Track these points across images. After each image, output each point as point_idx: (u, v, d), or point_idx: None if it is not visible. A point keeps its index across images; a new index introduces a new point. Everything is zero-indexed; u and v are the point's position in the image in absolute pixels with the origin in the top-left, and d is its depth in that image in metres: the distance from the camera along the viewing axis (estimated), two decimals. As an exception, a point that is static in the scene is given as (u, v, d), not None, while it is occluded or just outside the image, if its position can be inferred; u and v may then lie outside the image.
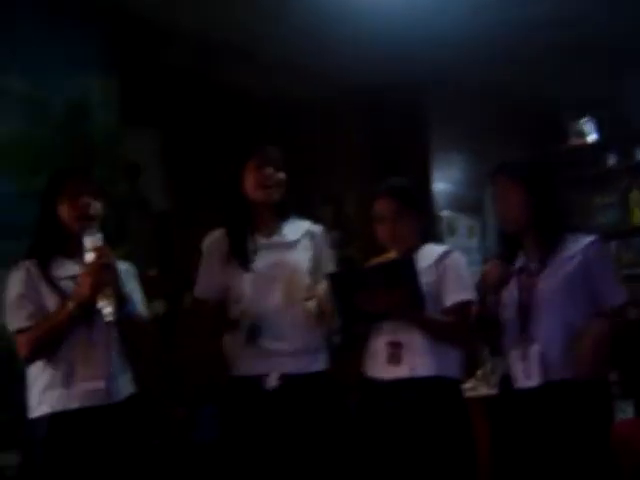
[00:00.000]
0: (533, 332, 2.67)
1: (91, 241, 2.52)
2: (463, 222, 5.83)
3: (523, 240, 2.79)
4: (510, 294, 2.76)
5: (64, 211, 2.61)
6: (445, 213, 5.69)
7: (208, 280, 2.96)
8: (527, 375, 2.65)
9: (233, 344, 2.93)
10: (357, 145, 5.93)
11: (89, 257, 2.50)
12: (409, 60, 5.15)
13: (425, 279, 2.72)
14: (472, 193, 5.90)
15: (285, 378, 2.83)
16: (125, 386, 2.66)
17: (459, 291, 2.76)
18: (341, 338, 2.99)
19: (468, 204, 5.87)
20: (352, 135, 5.94)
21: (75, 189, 2.62)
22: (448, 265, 2.80)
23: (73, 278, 2.57)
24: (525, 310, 2.71)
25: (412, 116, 5.76)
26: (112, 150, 4.68)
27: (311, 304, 2.82)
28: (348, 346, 3.00)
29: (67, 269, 2.61)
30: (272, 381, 2.82)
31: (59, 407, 2.53)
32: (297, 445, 2.79)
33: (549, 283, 2.68)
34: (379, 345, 2.79)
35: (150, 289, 4.88)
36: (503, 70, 5.46)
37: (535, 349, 2.63)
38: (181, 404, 5.06)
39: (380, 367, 2.77)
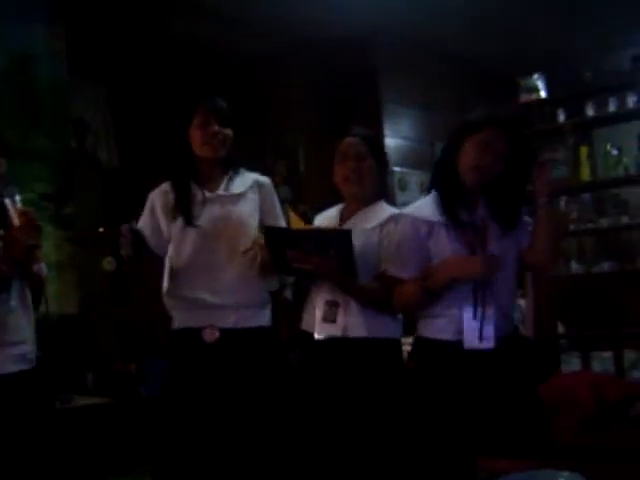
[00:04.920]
0: (488, 293, 2.53)
1: (13, 204, 2.51)
2: (414, 178, 5.85)
3: (475, 195, 2.63)
4: (446, 249, 2.59)
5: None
6: (397, 169, 5.70)
7: (151, 233, 2.92)
8: (482, 336, 2.50)
9: (173, 297, 2.91)
10: (310, 101, 5.89)
11: (16, 220, 2.49)
12: (360, 14, 5.12)
13: (367, 239, 2.69)
14: (423, 148, 5.91)
15: (226, 332, 2.82)
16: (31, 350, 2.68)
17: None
18: (292, 294, 2.98)
19: (419, 159, 5.88)
20: (305, 90, 5.90)
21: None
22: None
23: None
24: None
25: (364, 71, 5.72)
26: (58, 103, 4.58)
27: (252, 254, 2.80)
28: (298, 302, 2.98)
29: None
30: (211, 334, 2.82)
31: None
32: (236, 398, 2.79)
33: (504, 245, 2.56)
34: (318, 303, 2.79)
35: (100, 246, 4.87)
36: (455, 25, 5.45)
37: (492, 310, 2.52)
38: (132, 359, 5.05)
39: (316, 324, 2.76)
